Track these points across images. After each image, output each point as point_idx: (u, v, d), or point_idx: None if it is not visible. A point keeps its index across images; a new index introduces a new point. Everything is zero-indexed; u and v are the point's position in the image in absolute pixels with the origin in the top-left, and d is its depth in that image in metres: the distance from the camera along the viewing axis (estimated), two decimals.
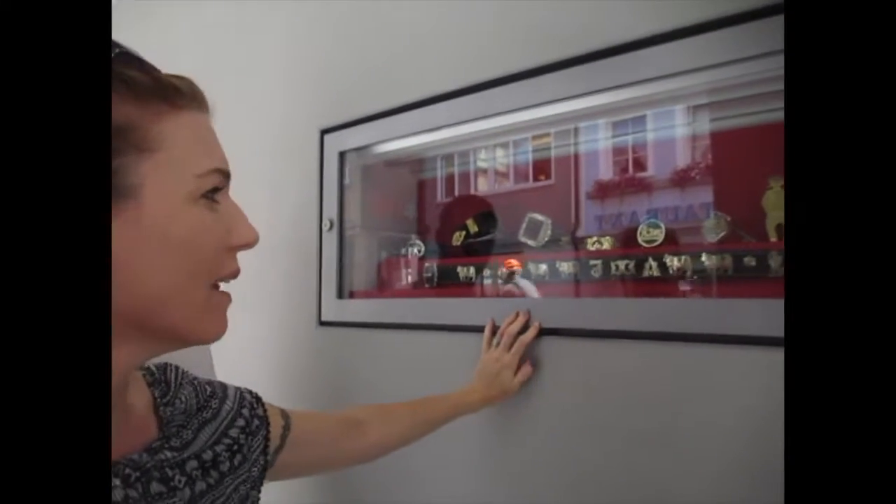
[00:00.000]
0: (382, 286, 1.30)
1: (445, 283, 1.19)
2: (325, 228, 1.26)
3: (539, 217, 1.08)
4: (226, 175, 0.49)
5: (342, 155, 1.27)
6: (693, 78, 0.89)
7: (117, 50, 0.44)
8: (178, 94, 0.46)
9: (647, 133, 1.09)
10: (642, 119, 1.08)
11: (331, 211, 1.27)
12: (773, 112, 0.94)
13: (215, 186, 0.48)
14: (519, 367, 0.93)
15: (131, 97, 0.44)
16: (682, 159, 1.05)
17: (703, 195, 0.99)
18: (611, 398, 0.89)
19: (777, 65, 0.83)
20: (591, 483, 0.90)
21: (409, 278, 1.26)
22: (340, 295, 1.25)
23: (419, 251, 1.25)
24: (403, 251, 1.29)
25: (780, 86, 0.91)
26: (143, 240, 0.43)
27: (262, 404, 0.66)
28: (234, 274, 0.50)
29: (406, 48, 1.17)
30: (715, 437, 0.80)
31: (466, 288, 1.15)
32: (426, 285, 1.21)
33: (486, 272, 1.13)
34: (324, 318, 1.27)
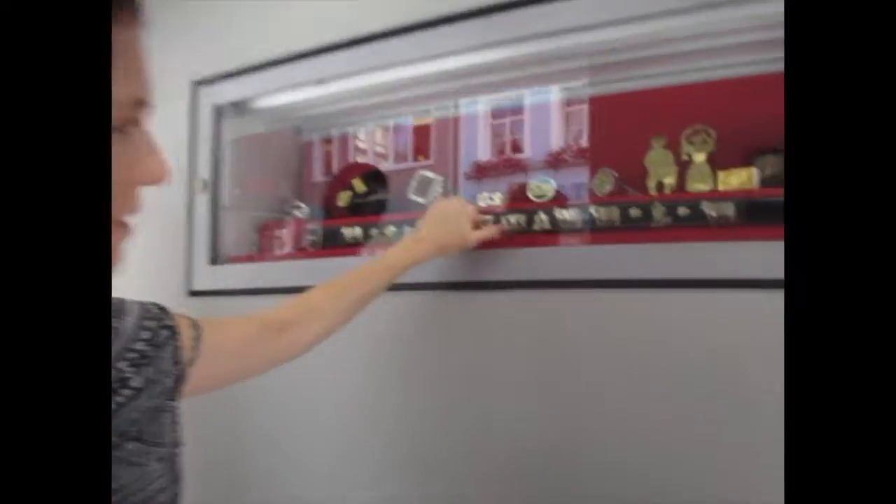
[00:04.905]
0: (262, 251, 1.20)
1: (330, 246, 1.11)
2: (197, 189, 1.15)
3: (429, 175, 1.04)
4: (146, 105, 0.42)
5: (218, 109, 1.16)
6: (585, 37, 0.89)
7: None
8: (116, 7, 0.38)
9: (525, 111, 1.07)
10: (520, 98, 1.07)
11: (205, 170, 1.16)
12: (658, 77, 0.96)
13: (132, 118, 0.41)
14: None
15: None
16: (564, 129, 1.04)
17: (580, 176, 0.98)
18: (511, 345, 0.88)
19: (664, 27, 0.85)
20: (486, 433, 0.87)
21: (292, 242, 1.17)
22: (214, 261, 1.14)
23: (302, 214, 1.17)
24: (285, 214, 1.20)
25: (666, 49, 0.93)
26: None
27: (170, 315, 0.60)
28: (132, 212, 0.44)
29: None
30: (608, 377, 0.80)
31: (353, 250, 1.08)
32: (310, 249, 1.13)
33: (374, 232, 1.06)
34: (195, 288, 1.15)
